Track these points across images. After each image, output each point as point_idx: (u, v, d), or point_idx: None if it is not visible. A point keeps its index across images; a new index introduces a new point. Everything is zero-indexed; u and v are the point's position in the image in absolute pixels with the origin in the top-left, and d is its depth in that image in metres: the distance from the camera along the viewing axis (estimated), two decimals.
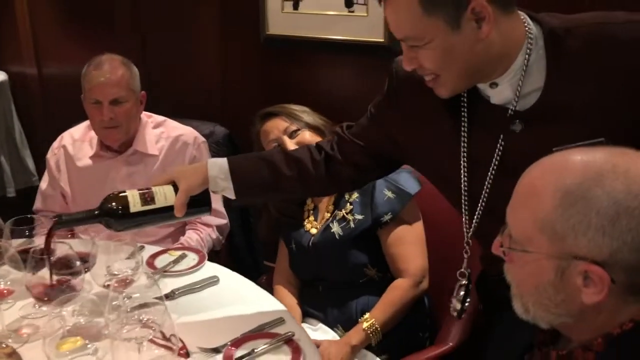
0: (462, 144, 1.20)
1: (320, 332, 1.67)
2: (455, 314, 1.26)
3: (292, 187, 1.41)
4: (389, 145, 1.35)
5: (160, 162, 2.01)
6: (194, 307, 1.48)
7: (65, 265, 1.29)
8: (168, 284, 1.55)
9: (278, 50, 2.46)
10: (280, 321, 1.40)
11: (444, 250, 1.72)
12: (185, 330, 1.34)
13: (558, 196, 0.80)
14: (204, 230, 2.02)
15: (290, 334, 1.34)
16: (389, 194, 1.66)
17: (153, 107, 2.31)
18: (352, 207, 1.70)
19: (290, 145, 1.69)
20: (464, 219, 1.26)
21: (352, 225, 1.68)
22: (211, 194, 1.39)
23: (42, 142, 3.52)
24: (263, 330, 1.37)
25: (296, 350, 1.29)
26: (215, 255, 2.04)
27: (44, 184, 2.11)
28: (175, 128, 2.07)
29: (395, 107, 1.31)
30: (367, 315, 1.63)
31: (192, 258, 1.70)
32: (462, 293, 1.25)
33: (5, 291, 1.34)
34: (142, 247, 1.68)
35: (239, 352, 1.29)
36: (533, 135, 1.12)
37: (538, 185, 0.84)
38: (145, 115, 2.06)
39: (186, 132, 2.06)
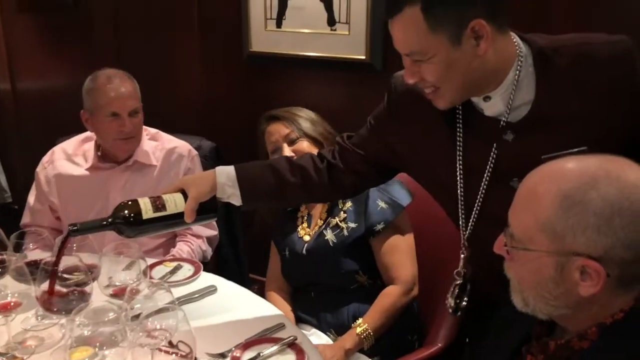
0: (458, 153, 1.30)
1: (314, 337, 1.72)
2: (450, 310, 1.35)
3: (296, 194, 1.49)
4: (388, 154, 1.44)
5: (157, 172, 2.04)
6: (194, 316, 1.50)
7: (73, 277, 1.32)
8: (167, 294, 1.58)
9: (261, 66, 2.53)
10: (281, 326, 1.46)
11: (431, 257, 1.81)
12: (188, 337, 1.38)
13: (558, 200, 0.90)
14: (194, 241, 2.05)
15: (292, 337, 1.39)
16: (382, 204, 1.73)
17: None
18: (345, 215, 1.76)
19: (287, 152, 1.75)
20: (460, 223, 1.34)
21: (345, 233, 1.74)
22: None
23: (15, 158, 3.50)
24: (266, 335, 1.42)
25: (300, 353, 1.35)
26: (204, 267, 2.07)
27: (31, 199, 2.11)
28: (169, 140, 2.11)
29: (395, 119, 1.40)
30: (360, 320, 1.69)
31: (187, 268, 1.74)
32: (457, 291, 1.34)
33: (12, 303, 1.35)
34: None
35: (245, 356, 1.34)
36: (523, 144, 1.23)
37: (539, 191, 0.93)
38: None
39: (180, 144, 2.11)
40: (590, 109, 1.19)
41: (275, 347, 1.36)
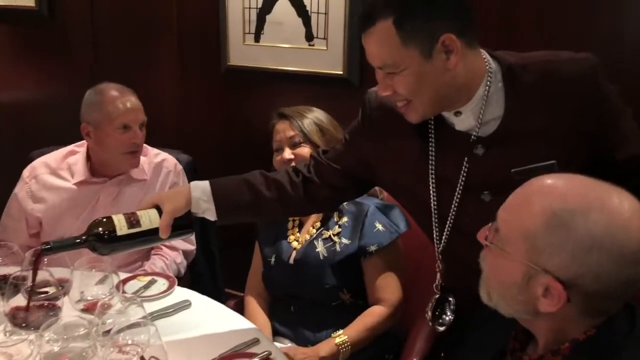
0: (430, 167, 1.32)
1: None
2: (430, 324, 1.35)
3: (272, 208, 1.48)
4: (363, 168, 1.45)
5: (147, 186, 2.04)
6: (168, 331, 1.48)
7: (44, 291, 1.30)
8: (139, 309, 1.56)
9: (239, 80, 2.53)
10: (255, 341, 1.44)
11: (408, 272, 1.81)
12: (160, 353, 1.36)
13: (547, 215, 0.90)
14: (169, 255, 2.03)
15: (267, 353, 1.38)
16: (380, 226, 1.71)
17: None
18: (340, 230, 1.74)
19: (288, 154, 1.74)
20: (435, 237, 1.35)
21: (337, 248, 1.72)
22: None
23: None
24: (240, 350, 1.41)
25: None
26: (179, 282, 2.05)
27: (5, 215, 2.06)
28: (156, 154, 2.10)
29: (369, 134, 1.42)
30: (341, 331, 1.68)
31: (162, 283, 1.72)
32: (434, 304, 1.36)
33: None
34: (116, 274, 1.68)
35: None
36: (493, 158, 1.26)
37: (534, 200, 0.93)
38: None
39: (166, 157, 2.11)
40: (558, 124, 1.22)
41: None
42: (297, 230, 1.82)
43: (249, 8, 2.41)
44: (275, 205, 1.47)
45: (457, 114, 1.28)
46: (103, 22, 2.83)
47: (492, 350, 1.10)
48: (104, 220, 1.35)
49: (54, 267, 1.43)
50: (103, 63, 2.88)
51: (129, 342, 1.23)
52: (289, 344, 1.74)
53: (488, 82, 1.25)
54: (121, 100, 1.94)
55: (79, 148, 2.08)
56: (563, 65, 1.24)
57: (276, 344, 1.71)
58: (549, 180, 0.95)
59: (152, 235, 1.37)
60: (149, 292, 1.67)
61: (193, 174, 2.28)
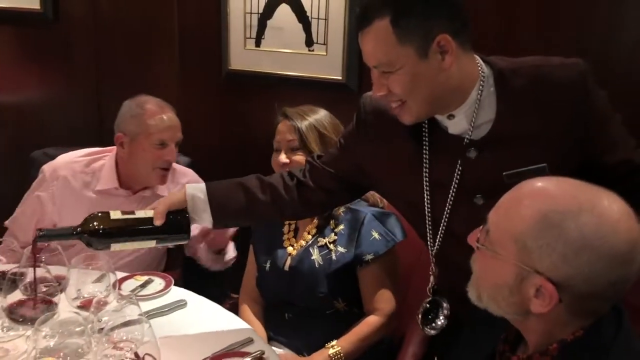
0: (425, 170, 1.33)
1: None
2: (421, 327, 1.37)
3: (266, 211, 1.50)
4: (358, 172, 1.46)
5: None
6: (163, 330, 1.50)
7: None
8: (135, 307, 1.57)
9: (239, 84, 2.55)
10: (249, 341, 1.46)
11: (401, 278, 1.82)
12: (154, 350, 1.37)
13: (537, 217, 0.91)
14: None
15: (260, 352, 1.40)
16: (376, 235, 1.70)
17: (111, 142, 2.33)
18: (336, 237, 1.73)
19: (283, 158, 1.74)
20: (428, 239, 1.37)
21: (333, 256, 1.71)
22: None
23: None
24: (233, 350, 1.42)
25: None
26: (175, 282, 2.07)
27: (20, 210, 2.05)
28: (183, 174, 2.11)
29: (364, 138, 1.44)
30: (334, 342, 1.67)
31: (158, 283, 1.74)
32: (426, 307, 1.37)
33: None
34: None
35: None
36: (486, 161, 1.28)
37: (524, 203, 0.94)
38: None
39: (192, 178, 2.12)
40: (548, 128, 1.24)
41: None
42: (293, 236, 1.81)
43: (250, 13, 2.43)
44: (270, 209, 1.49)
45: (450, 117, 1.30)
46: (106, 26, 2.85)
47: (483, 353, 1.12)
48: (100, 214, 1.37)
49: (52, 265, 1.45)
50: (105, 65, 2.90)
51: (124, 338, 1.25)
52: (285, 349, 1.74)
53: (481, 86, 1.27)
54: (162, 116, 1.95)
55: (105, 154, 2.07)
56: (553, 70, 1.26)
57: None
58: (540, 183, 0.97)
59: (146, 224, 1.37)
60: (145, 291, 1.69)
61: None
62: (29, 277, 1.35)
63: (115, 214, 1.38)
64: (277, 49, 2.42)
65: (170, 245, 1.41)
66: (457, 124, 1.30)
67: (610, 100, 1.30)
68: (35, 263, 1.30)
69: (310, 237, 1.77)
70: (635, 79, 1.97)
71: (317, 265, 1.71)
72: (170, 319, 1.57)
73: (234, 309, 1.91)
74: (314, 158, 1.54)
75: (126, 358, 1.22)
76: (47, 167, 2.04)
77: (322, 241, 1.74)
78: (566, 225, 0.89)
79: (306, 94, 2.41)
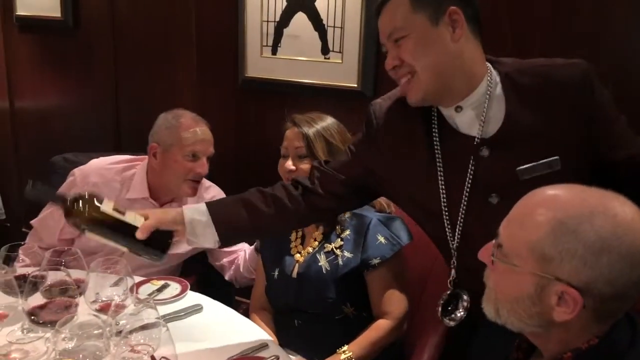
0: (439, 171, 1.35)
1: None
2: (440, 317, 1.38)
3: (271, 223, 1.51)
4: (369, 178, 1.48)
5: None
6: (179, 334, 1.51)
7: (61, 290, 1.34)
8: (152, 311, 1.60)
9: (256, 91, 2.58)
10: (264, 346, 1.48)
11: (415, 285, 1.83)
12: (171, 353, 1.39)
13: (552, 224, 0.92)
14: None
15: (274, 357, 1.41)
16: (382, 239, 1.69)
17: (129, 148, 2.37)
18: (342, 243, 1.73)
19: (290, 165, 1.74)
20: (448, 237, 1.38)
21: (340, 262, 1.71)
22: None
23: (10, 176, 3.52)
24: (248, 354, 1.44)
25: None
26: (191, 287, 2.09)
27: (47, 212, 2.05)
28: (207, 188, 2.14)
29: (374, 144, 1.45)
30: (345, 347, 1.66)
31: (174, 287, 1.76)
32: (446, 298, 1.40)
33: None
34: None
35: None
36: (499, 158, 1.30)
37: (537, 212, 0.95)
38: None
39: (216, 194, 2.14)
40: (556, 124, 1.27)
41: None
42: (300, 243, 1.82)
43: (267, 21, 2.46)
44: (275, 221, 1.50)
45: (458, 109, 1.32)
46: (125, 33, 2.91)
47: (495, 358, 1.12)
48: (92, 200, 1.36)
49: (72, 269, 1.48)
50: (124, 72, 2.96)
51: (141, 341, 1.27)
52: (296, 358, 1.73)
53: (489, 84, 1.30)
54: (199, 130, 1.99)
55: (136, 162, 2.10)
56: (558, 70, 1.30)
57: None
58: (550, 191, 0.97)
59: (128, 229, 1.37)
60: (162, 296, 1.71)
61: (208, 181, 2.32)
62: (50, 280, 1.38)
63: (106, 207, 1.37)
64: (293, 57, 2.45)
65: (143, 257, 1.41)
66: (465, 119, 1.32)
67: (627, 102, 1.33)
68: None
69: (316, 243, 1.78)
70: None
71: (324, 271, 1.72)
72: (186, 323, 1.59)
73: (246, 315, 1.92)
74: (321, 164, 1.55)
75: None
76: (78, 172, 2.06)
77: (329, 247, 1.74)
78: (583, 229, 0.90)
79: (322, 102, 2.44)
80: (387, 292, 1.71)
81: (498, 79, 1.31)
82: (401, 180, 1.43)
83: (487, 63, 1.33)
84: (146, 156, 2.06)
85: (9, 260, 1.52)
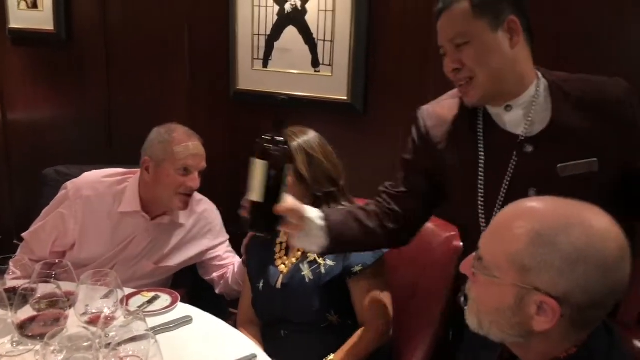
0: (479, 163, 1.43)
1: None
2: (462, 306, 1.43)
3: (375, 239, 1.57)
4: (427, 181, 1.55)
5: (185, 234, 2.12)
6: (169, 346, 1.52)
7: (51, 302, 1.35)
8: (142, 323, 1.60)
9: (247, 104, 2.61)
10: (253, 357, 1.49)
11: (402, 298, 1.84)
12: None
13: (531, 236, 0.94)
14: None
15: None
16: None
17: (122, 160, 2.38)
18: None
19: None
20: (481, 227, 1.43)
21: (322, 270, 1.73)
22: None
23: (3, 187, 3.53)
24: None
25: None
26: (181, 299, 2.10)
27: (39, 223, 2.07)
28: (199, 202, 2.16)
29: (426, 145, 1.54)
30: (332, 356, 1.69)
31: (165, 299, 1.77)
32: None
33: None
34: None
35: None
36: (541, 154, 1.39)
37: (515, 225, 0.97)
38: None
39: (207, 208, 2.18)
40: (596, 130, 1.37)
41: None
42: (285, 254, 1.83)
43: (258, 35, 2.49)
44: (379, 237, 1.55)
45: (508, 107, 1.42)
46: (118, 47, 2.93)
47: None
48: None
49: (62, 281, 1.49)
50: (117, 84, 2.98)
51: (130, 353, 1.28)
52: None
53: (537, 86, 1.41)
54: (191, 144, 2.02)
55: (128, 176, 2.11)
56: (603, 84, 1.41)
57: None
58: (527, 203, 1.00)
59: (271, 196, 1.40)
60: (152, 307, 1.72)
61: (199, 192, 2.34)
62: (40, 293, 1.39)
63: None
64: (284, 70, 2.48)
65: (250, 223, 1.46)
66: (513, 117, 1.41)
67: None
68: None
69: (299, 253, 1.79)
70: None
71: (307, 281, 1.73)
72: (176, 335, 1.60)
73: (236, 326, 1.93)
74: (386, 187, 1.60)
75: None
76: (70, 185, 2.07)
77: (312, 256, 1.76)
78: (559, 241, 0.92)
79: (312, 114, 2.47)
80: (370, 299, 1.73)
81: (546, 84, 1.42)
82: (448, 175, 1.50)
83: (535, 69, 1.44)
84: (139, 170, 2.08)
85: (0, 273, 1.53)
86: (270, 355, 1.75)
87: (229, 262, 2.15)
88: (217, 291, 2.16)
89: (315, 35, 2.38)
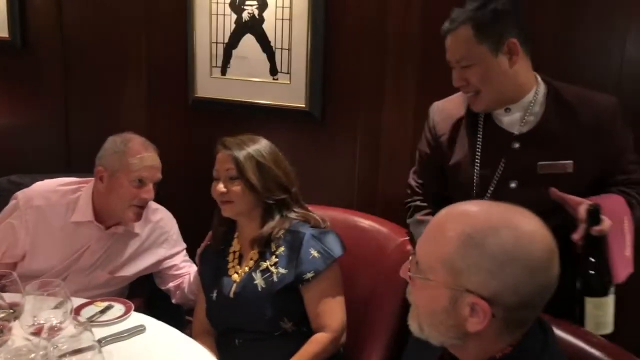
0: (476, 158, 1.63)
1: None
2: None
3: None
4: (439, 172, 1.76)
5: (141, 242, 2.09)
6: (121, 356, 1.51)
7: None
8: (95, 334, 1.57)
9: (205, 112, 2.60)
10: None
11: (355, 302, 1.85)
12: None
13: (461, 239, 0.96)
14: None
15: None
16: (315, 253, 1.73)
17: (79, 169, 2.34)
18: (277, 260, 1.75)
19: (220, 186, 1.76)
20: None
21: (275, 278, 1.73)
22: None
23: None
24: None
25: None
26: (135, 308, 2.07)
27: None
28: (154, 211, 2.13)
29: (436, 137, 1.75)
30: None
31: (118, 308, 1.75)
32: None
33: None
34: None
35: None
36: (526, 152, 1.59)
37: (447, 228, 0.99)
38: None
39: (163, 217, 2.15)
40: (578, 136, 1.55)
41: None
42: (238, 263, 1.83)
43: (216, 43, 2.49)
44: None
45: (507, 110, 1.61)
46: (74, 53, 2.89)
47: None
48: None
49: (7, 292, 1.46)
50: (74, 92, 2.93)
51: None
52: None
53: (536, 91, 1.59)
54: (147, 155, 1.98)
55: (82, 185, 2.07)
56: (595, 97, 1.59)
57: None
58: (460, 207, 1.03)
59: None
60: (104, 317, 1.70)
61: (156, 201, 2.31)
62: None
63: None
64: (242, 78, 2.48)
65: None
66: (511, 118, 1.61)
67: None
68: None
69: (252, 262, 1.79)
70: None
71: (260, 289, 1.73)
72: (128, 344, 1.58)
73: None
74: (417, 182, 1.84)
75: None
76: (21, 195, 2.02)
77: (264, 265, 1.76)
78: (488, 243, 0.95)
79: (270, 122, 2.48)
80: (323, 305, 1.74)
81: (545, 89, 1.60)
82: (451, 163, 1.69)
83: (535, 74, 1.61)
84: (93, 179, 2.05)
85: None
86: None
87: (186, 272, 2.13)
88: (173, 301, 2.14)
89: (273, 44, 2.39)
